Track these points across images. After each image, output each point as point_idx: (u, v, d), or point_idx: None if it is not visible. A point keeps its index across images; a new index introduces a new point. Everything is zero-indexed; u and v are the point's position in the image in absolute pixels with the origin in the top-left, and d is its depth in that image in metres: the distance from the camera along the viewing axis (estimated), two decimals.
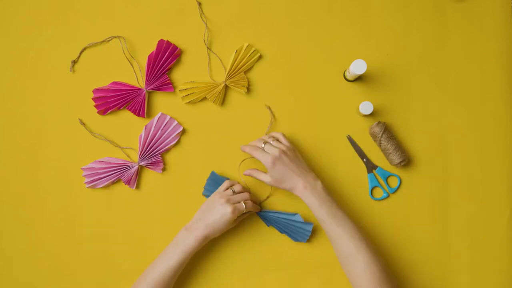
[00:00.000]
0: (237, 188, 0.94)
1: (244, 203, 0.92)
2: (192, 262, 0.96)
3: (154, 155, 0.98)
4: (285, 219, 0.96)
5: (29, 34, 1.00)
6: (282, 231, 0.96)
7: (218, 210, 0.90)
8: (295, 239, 0.96)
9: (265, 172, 0.92)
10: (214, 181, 0.97)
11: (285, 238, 0.98)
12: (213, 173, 0.98)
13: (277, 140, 0.93)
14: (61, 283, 0.98)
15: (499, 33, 1.00)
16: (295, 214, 0.96)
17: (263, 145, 0.91)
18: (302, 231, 0.96)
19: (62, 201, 0.99)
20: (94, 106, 0.99)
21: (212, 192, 0.96)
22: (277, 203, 0.99)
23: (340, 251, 0.87)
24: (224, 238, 0.97)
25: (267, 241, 0.98)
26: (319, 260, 0.97)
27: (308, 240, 0.97)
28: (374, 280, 0.83)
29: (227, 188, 0.94)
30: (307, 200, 0.88)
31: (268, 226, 0.97)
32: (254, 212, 0.96)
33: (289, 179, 0.89)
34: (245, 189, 0.95)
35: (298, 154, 0.92)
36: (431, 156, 0.99)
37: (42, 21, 1.01)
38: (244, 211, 0.91)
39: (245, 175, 0.95)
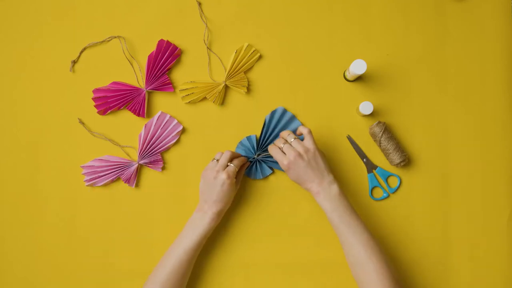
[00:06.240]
0: (217, 156, 0.94)
1: (232, 163, 0.92)
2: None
3: (153, 153, 0.98)
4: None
5: (29, 34, 1.01)
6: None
7: (216, 183, 0.90)
8: None
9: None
10: (249, 141, 0.98)
11: (284, 238, 0.98)
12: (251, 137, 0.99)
13: (297, 138, 0.91)
14: (61, 282, 0.98)
15: (499, 33, 1.00)
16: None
17: (282, 145, 0.91)
18: None
19: (62, 200, 0.99)
20: (94, 106, 0.99)
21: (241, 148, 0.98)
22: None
23: (351, 259, 0.86)
24: (225, 236, 0.97)
25: (267, 241, 0.98)
26: (320, 261, 0.97)
27: (309, 242, 0.97)
28: None
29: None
30: (321, 205, 0.88)
31: (268, 174, 0.98)
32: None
33: (303, 183, 0.89)
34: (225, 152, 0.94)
35: (318, 156, 0.89)
36: (431, 156, 0.99)
37: (42, 21, 1.01)
38: (235, 170, 0.92)
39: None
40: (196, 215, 0.91)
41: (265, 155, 0.98)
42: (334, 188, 0.88)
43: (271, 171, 0.98)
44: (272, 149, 0.92)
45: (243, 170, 0.97)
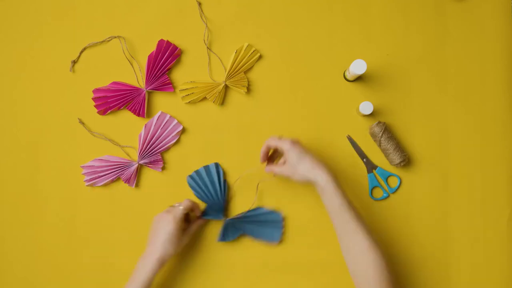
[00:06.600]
0: (180, 203, 0.92)
1: (180, 204, 0.90)
2: (191, 263, 0.96)
3: (153, 153, 0.98)
4: (251, 216, 0.96)
5: (29, 34, 1.01)
6: (254, 234, 0.96)
7: (161, 225, 0.88)
8: (271, 237, 0.96)
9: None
10: (207, 172, 0.98)
11: (284, 238, 0.98)
12: (215, 165, 0.98)
13: None
14: (61, 282, 0.98)
15: (499, 33, 1.00)
16: (258, 208, 0.97)
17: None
18: (273, 224, 0.96)
19: (62, 200, 0.99)
20: (94, 106, 0.99)
21: (195, 181, 0.97)
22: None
23: (351, 247, 0.83)
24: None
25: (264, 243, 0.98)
26: (320, 261, 0.97)
27: (309, 242, 0.97)
28: (382, 281, 0.80)
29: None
30: (332, 188, 0.84)
31: (237, 236, 0.96)
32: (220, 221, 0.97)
33: (309, 162, 0.86)
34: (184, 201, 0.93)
35: None
36: (431, 156, 0.99)
37: (42, 21, 1.01)
38: (182, 212, 0.89)
39: (267, 172, 0.93)
40: (139, 263, 0.87)
41: (235, 217, 0.97)
42: (335, 177, 0.86)
43: (241, 232, 0.97)
44: (269, 141, 0.91)
45: (195, 225, 0.94)
